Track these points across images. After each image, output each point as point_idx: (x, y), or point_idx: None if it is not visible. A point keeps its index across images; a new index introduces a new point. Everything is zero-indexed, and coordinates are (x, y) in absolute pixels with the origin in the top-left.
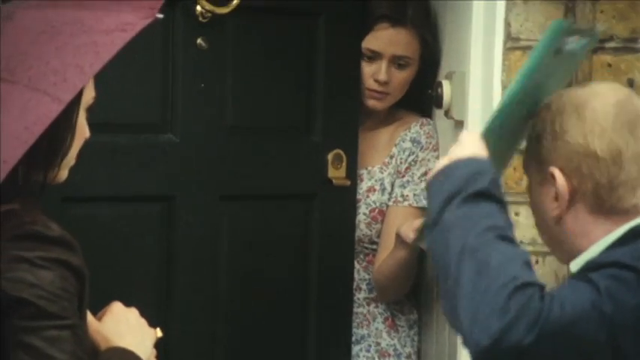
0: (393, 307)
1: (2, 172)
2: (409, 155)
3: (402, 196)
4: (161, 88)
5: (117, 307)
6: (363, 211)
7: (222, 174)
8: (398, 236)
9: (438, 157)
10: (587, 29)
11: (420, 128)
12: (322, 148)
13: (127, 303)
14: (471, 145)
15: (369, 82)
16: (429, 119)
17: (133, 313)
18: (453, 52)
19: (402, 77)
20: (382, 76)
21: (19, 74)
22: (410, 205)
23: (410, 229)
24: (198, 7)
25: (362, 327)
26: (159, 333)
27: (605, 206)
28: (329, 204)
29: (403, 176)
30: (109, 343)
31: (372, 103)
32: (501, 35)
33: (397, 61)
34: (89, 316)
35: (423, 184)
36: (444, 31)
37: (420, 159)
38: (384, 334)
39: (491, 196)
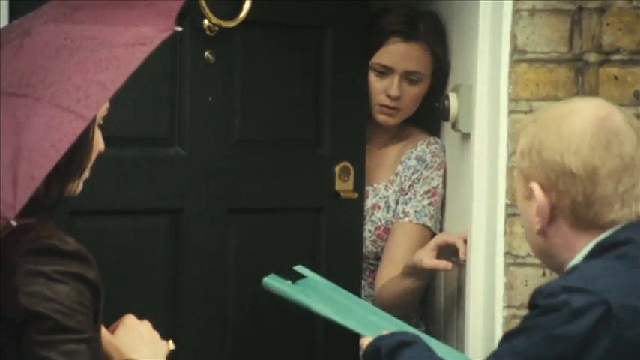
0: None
1: (29, 189)
2: (413, 173)
3: (404, 212)
4: (169, 102)
5: (130, 320)
6: (368, 228)
7: (230, 187)
8: (409, 267)
9: (442, 176)
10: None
11: (427, 147)
12: (330, 161)
13: (135, 316)
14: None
15: (381, 98)
16: (437, 138)
17: (145, 326)
18: (460, 64)
19: (413, 93)
20: (394, 91)
21: (41, 90)
22: (410, 221)
23: (424, 253)
24: (206, 21)
25: None
26: (171, 345)
27: (584, 222)
28: (336, 217)
29: (406, 193)
30: (122, 356)
31: (383, 118)
32: (507, 48)
33: (409, 77)
34: (102, 329)
35: (425, 201)
36: (450, 44)
37: (423, 177)
38: None
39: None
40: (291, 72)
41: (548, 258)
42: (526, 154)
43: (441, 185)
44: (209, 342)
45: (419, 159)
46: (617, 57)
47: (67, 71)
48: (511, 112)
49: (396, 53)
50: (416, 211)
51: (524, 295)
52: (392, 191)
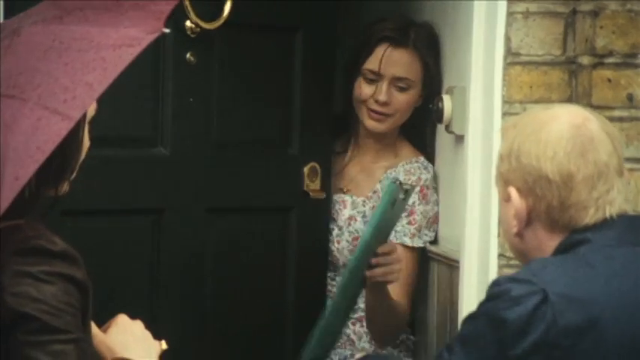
0: None
1: (14, 190)
2: None
3: None
4: (152, 102)
5: (122, 319)
6: (345, 238)
7: (208, 187)
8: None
9: (418, 193)
10: (411, 185)
11: (402, 167)
12: (299, 161)
13: (118, 313)
14: None
15: (369, 103)
16: (420, 157)
17: (138, 325)
18: (454, 66)
19: (402, 99)
20: (382, 97)
21: (28, 91)
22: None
23: None
24: (188, 22)
25: (345, 347)
26: (164, 345)
27: (559, 225)
28: (305, 216)
29: None
30: (114, 355)
31: (371, 124)
32: (501, 50)
33: (397, 83)
34: (95, 328)
35: (404, 221)
36: (444, 46)
37: None
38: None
39: None
40: (265, 73)
41: (524, 258)
42: (505, 158)
43: (418, 202)
44: (188, 338)
45: (393, 179)
46: (610, 60)
47: (55, 72)
48: (505, 114)
49: (384, 59)
50: (396, 231)
51: None
52: (369, 207)
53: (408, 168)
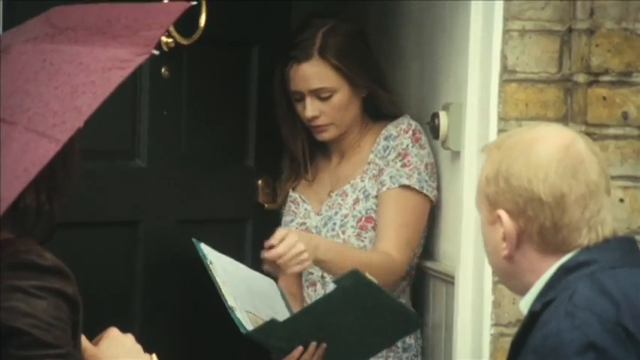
0: None
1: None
2: (384, 150)
3: (382, 183)
4: (129, 115)
5: (113, 333)
6: (350, 224)
7: (179, 199)
8: None
9: (411, 137)
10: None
11: (391, 125)
12: (254, 174)
13: (94, 325)
14: None
15: (306, 120)
16: (405, 116)
17: (129, 339)
18: (450, 83)
19: (331, 106)
20: (308, 113)
21: (18, 114)
22: (388, 188)
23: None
24: (164, 37)
25: None
26: (154, 358)
27: (551, 246)
28: (261, 227)
29: (383, 169)
30: None
31: (320, 136)
32: (497, 68)
33: (319, 94)
34: (85, 342)
35: (398, 164)
36: (441, 62)
37: (394, 145)
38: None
39: None
40: (227, 87)
41: (512, 280)
42: (492, 180)
43: (411, 145)
44: (164, 348)
45: (386, 138)
46: (605, 78)
47: (45, 96)
48: (500, 131)
49: (295, 77)
50: (391, 177)
51: (511, 314)
52: (367, 179)
53: (395, 123)
